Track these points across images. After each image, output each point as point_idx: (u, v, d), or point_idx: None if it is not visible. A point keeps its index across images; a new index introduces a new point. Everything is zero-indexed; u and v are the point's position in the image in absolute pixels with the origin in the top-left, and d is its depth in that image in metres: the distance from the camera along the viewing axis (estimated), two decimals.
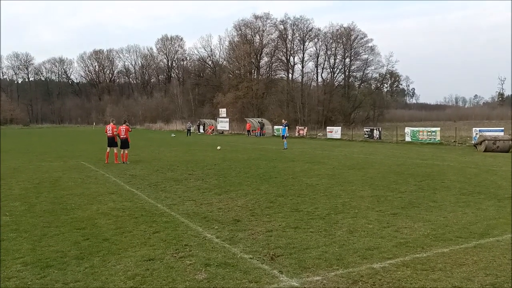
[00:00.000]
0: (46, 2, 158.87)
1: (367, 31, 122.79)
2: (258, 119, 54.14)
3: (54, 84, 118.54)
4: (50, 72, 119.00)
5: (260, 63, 77.03)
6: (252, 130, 51.07)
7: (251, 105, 69.89)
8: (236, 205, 8.91)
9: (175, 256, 5.60)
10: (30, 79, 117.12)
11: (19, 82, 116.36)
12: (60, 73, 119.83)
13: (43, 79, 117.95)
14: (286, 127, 27.59)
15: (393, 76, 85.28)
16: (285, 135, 27.03)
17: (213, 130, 57.49)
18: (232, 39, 79.62)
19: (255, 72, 77.40)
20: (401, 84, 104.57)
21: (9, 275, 4.96)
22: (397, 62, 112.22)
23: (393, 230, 6.90)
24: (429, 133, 32.04)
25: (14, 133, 60.90)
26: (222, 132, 56.15)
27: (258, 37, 75.79)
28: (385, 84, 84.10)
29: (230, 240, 6.34)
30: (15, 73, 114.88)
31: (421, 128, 34.22)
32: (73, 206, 8.85)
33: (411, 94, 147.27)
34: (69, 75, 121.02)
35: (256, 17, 74.67)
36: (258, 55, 75.50)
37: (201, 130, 59.99)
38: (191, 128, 54.80)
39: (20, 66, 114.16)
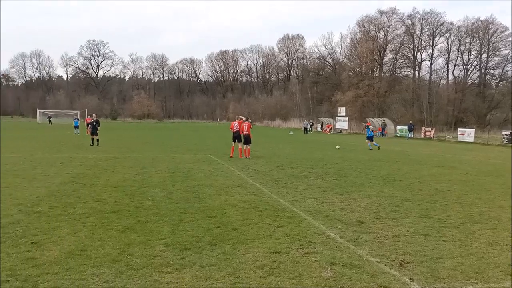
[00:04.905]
0: (177, 7, 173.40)
1: (509, 25, 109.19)
2: (379, 118, 52.08)
3: (184, 83, 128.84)
4: (181, 71, 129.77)
5: (384, 60, 73.99)
6: (373, 130, 49.33)
7: (371, 104, 67.57)
8: (359, 206, 8.71)
9: (300, 252, 5.70)
10: (165, 78, 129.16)
11: (155, 81, 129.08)
12: (190, 72, 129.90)
13: (175, 78, 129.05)
14: (370, 128, 26.63)
15: None
16: (371, 135, 25.93)
17: (331, 129, 56.92)
18: (354, 36, 77.84)
19: (378, 69, 74.57)
20: None
21: (154, 254, 5.54)
22: None
23: None
24: None
25: (150, 127, 67.94)
26: (341, 131, 55.24)
27: (383, 33, 72.87)
28: None
29: (355, 241, 6.23)
30: (153, 73, 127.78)
31: None
32: (204, 196, 9.55)
33: None
34: (198, 74, 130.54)
35: (381, 13, 71.84)
36: (382, 52, 72.55)
37: (319, 129, 59.90)
38: (308, 126, 55.00)
39: (157, 66, 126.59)
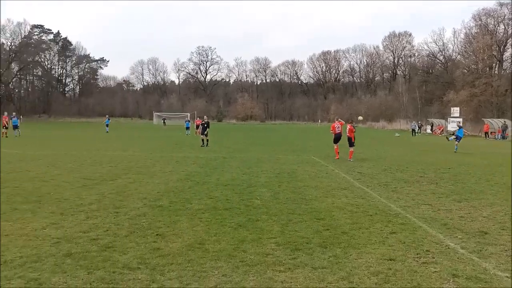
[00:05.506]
0: (280, 10, 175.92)
1: None
2: (499, 119, 47.23)
3: (286, 85, 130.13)
4: (283, 73, 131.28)
5: (504, 56, 66.94)
6: (491, 132, 44.94)
7: (489, 103, 61.50)
8: (481, 215, 7.98)
9: (417, 261, 5.41)
10: (267, 81, 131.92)
11: (258, 83, 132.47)
12: (291, 74, 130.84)
13: (277, 80, 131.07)
14: (463, 129, 24.97)
15: None
16: (460, 136, 24.12)
17: (442, 130, 53.07)
18: (469, 30, 71.60)
19: (496, 66, 67.69)
20: None
21: (266, 252, 5.69)
22: None
23: None
24: None
25: (253, 128, 69.94)
26: (453, 133, 51.19)
27: (503, 27, 66.07)
28: None
29: (479, 253, 5.73)
30: (256, 76, 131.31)
31: None
32: (311, 198, 9.55)
33: None
34: (299, 76, 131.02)
35: (501, 4, 65.06)
36: (502, 47, 65.82)
37: (428, 131, 56.31)
38: (417, 127, 51.93)
39: (260, 69, 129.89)
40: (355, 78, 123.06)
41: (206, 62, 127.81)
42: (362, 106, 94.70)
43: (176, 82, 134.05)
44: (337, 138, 18.92)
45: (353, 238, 6.37)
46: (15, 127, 32.42)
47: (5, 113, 33.47)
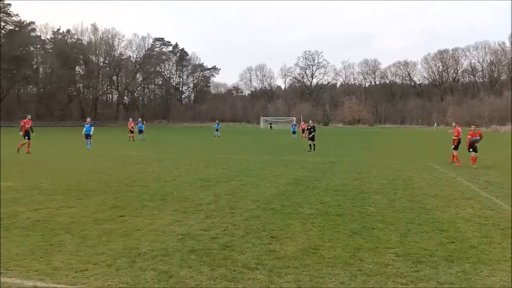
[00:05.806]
0: (394, 10, 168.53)
1: None
2: None
3: (397, 86, 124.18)
4: (394, 75, 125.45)
5: None
6: None
7: None
8: None
9: None
10: (376, 83, 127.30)
11: (367, 86, 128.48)
12: (403, 75, 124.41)
13: (387, 82, 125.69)
14: None
15: None
16: None
17: None
18: None
19: None
20: None
21: (385, 262, 5.43)
22: None
23: None
24: None
25: (361, 132, 67.90)
26: None
27: None
28: None
29: None
30: (364, 78, 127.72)
31: None
32: (431, 207, 8.92)
33: None
34: (412, 77, 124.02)
35: None
36: None
37: None
38: None
39: (369, 71, 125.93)
40: (476, 78, 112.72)
41: (313, 66, 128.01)
42: (485, 108, 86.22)
43: (282, 87, 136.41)
44: (458, 143, 17.74)
45: (484, 253, 5.78)
46: (140, 131, 35.85)
47: (130, 119, 37.12)
